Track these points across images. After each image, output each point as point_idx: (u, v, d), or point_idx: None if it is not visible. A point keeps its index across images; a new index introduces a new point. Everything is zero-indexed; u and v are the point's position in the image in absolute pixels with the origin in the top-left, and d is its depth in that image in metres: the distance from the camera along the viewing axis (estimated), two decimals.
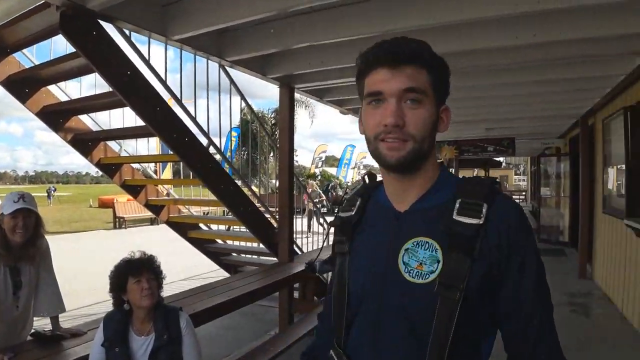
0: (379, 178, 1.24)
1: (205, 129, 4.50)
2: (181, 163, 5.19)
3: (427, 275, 0.99)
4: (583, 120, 7.69)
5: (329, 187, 27.01)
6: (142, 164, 5.90)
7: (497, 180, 1.12)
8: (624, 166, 5.43)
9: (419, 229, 1.04)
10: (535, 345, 1.00)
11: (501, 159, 23.92)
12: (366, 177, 1.30)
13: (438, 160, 1.13)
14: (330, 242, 1.30)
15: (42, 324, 2.99)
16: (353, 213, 1.18)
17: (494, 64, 4.38)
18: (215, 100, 4.72)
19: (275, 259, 5.38)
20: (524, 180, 42.16)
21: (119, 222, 19.28)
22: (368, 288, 1.07)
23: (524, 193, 32.74)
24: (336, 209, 1.27)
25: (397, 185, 1.11)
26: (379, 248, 1.08)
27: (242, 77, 4.58)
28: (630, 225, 4.87)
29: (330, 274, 1.32)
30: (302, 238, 6.60)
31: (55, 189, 43.99)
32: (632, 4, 3.15)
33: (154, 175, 6.49)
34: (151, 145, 5.93)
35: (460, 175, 1.18)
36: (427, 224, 1.03)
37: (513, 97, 5.98)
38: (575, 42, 3.75)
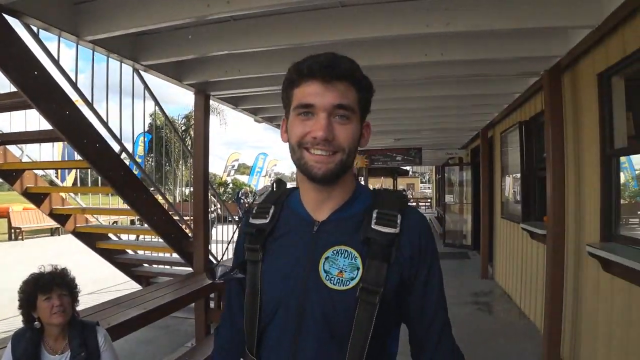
0: (289, 185, 1.27)
1: (118, 134, 4.32)
2: (88, 170, 4.93)
3: (348, 282, 1.04)
4: (483, 133, 8.29)
5: (240, 195, 26.74)
6: (46, 171, 5.52)
7: (405, 191, 1.20)
8: (519, 175, 5.92)
9: (338, 238, 1.09)
10: (436, 346, 1.12)
11: (408, 167, 25.03)
12: (274, 184, 1.31)
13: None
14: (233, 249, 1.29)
15: None
16: (267, 221, 1.17)
17: (403, 79, 4.62)
18: (125, 103, 4.51)
19: (189, 268, 5.25)
20: (429, 188, 44.30)
21: (14, 233, 17.74)
22: (285, 296, 1.08)
23: (429, 200, 34.39)
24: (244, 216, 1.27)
25: (316, 195, 1.13)
26: (296, 257, 1.10)
27: (153, 81, 4.45)
28: (525, 229, 5.32)
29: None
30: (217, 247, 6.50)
31: None
32: (528, 32, 3.52)
33: (58, 182, 6.09)
34: (54, 150, 5.58)
35: (369, 184, 1.23)
36: (345, 233, 1.09)
37: (420, 110, 6.33)
38: (479, 62, 4.09)
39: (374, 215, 1.08)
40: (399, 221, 1.07)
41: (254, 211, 1.22)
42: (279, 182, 1.24)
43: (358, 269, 1.04)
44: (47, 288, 2.22)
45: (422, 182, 50.69)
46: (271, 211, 1.18)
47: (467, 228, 11.52)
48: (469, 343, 4.93)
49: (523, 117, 5.83)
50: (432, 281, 1.12)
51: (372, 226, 1.06)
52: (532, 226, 5.10)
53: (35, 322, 2.22)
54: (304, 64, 1.05)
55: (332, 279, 1.05)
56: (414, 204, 33.98)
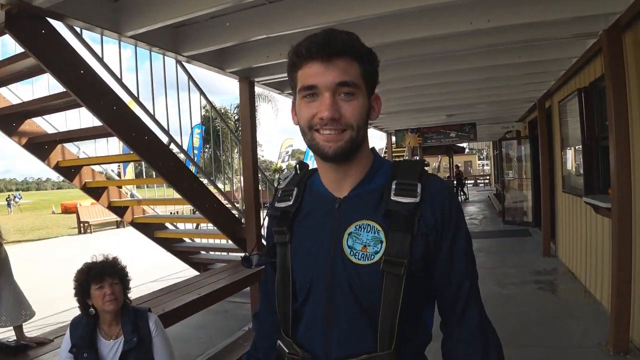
0: (312, 166, 1.26)
1: (165, 126, 4.42)
2: (143, 163, 5.09)
3: (372, 256, 1.04)
4: (540, 104, 7.89)
5: None
6: (104, 166, 5.75)
7: (426, 162, 1.18)
8: (580, 146, 5.60)
9: (359, 213, 1.08)
10: (464, 310, 1.10)
11: (464, 144, 24.41)
12: (297, 166, 1.30)
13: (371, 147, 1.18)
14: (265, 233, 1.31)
15: (6, 335, 2.89)
16: (291, 203, 1.19)
17: (450, 50, 4.44)
18: (175, 97, 4.63)
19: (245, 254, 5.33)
20: (487, 164, 43.09)
21: (83, 227, 18.81)
22: (315, 275, 1.10)
23: (487, 177, 33.48)
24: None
25: (333, 173, 1.13)
26: (322, 235, 1.11)
27: (204, 72, 4.51)
28: (589, 202, 5.03)
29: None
30: None
31: (20, 197, 42.51)
32: None
33: (115, 177, 6.34)
34: (111, 146, 5.78)
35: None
36: (367, 208, 1.08)
37: (471, 82, 6.08)
38: (529, 26, 3.85)
39: (393, 186, 1.07)
40: (419, 190, 1.06)
41: (278, 195, 1.24)
42: (301, 164, 1.27)
43: (382, 242, 1.04)
44: (99, 277, 2.30)
45: (479, 159, 49.34)
46: (294, 193, 1.20)
47: (528, 204, 11.08)
48: (530, 324, 4.80)
49: (582, 84, 5.47)
50: (457, 249, 1.09)
51: (392, 197, 1.05)
52: (596, 199, 4.81)
53: (90, 309, 2.31)
54: (302, 45, 1.05)
55: (357, 253, 1.05)
56: (472, 181, 33.22)
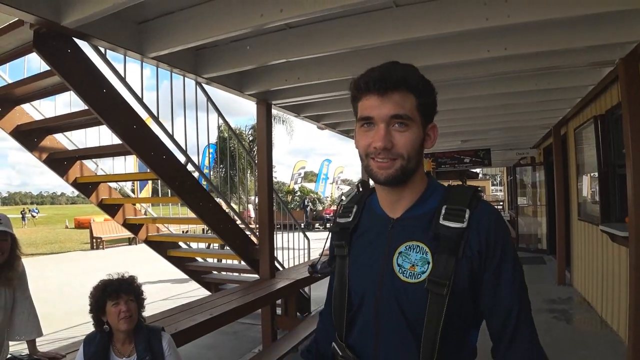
0: (372, 184, 1.31)
1: (183, 146, 4.48)
2: (159, 181, 5.15)
3: (419, 276, 1.11)
4: (556, 130, 7.86)
5: (306, 202, 27.11)
6: (120, 183, 5.82)
7: (480, 188, 1.23)
8: (596, 174, 5.55)
9: (410, 234, 1.16)
10: (512, 338, 1.12)
11: (478, 170, 24.28)
12: (359, 185, 1.41)
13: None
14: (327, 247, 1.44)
15: (18, 348, 2.90)
16: (350, 219, 1.30)
17: (467, 77, 4.46)
18: (193, 117, 4.70)
19: (256, 275, 5.34)
20: (500, 190, 42.74)
21: (96, 243, 18.90)
22: (367, 287, 1.19)
23: (501, 203, 33.18)
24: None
25: (389, 196, 1.22)
26: (375, 252, 1.20)
27: (219, 94, 4.60)
28: (605, 231, 4.97)
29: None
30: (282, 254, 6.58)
31: (37, 211, 42.95)
32: (598, 18, 3.28)
33: (132, 194, 6.40)
34: (128, 164, 5.86)
35: None
36: (417, 230, 1.15)
37: (487, 109, 6.09)
38: (545, 54, 3.86)
39: (443, 211, 1.14)
40: (467, 216, 1.12)
41: (340, 211, 1.35)
42: (363, 183, 1.41)
43: (429, 263, 1.11)
44: (115, 294, 2.32)
45: (493, 185, 48.98)
46: (354, 210, 1.31)
47: (542, 231, 10.96)
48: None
49: (598, 111, 5.46)
50: (505, 275, 1.12)
51: (440, 222, 1.12)
52: (612, 228, 4.75)
53: (105, 326, 2.32)
54: (362, 79, 1.16)
55: (405, 272, 1.13)
56: None
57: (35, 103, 4.49)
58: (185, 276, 6.41)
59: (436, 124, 1.23)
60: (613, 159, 5.17)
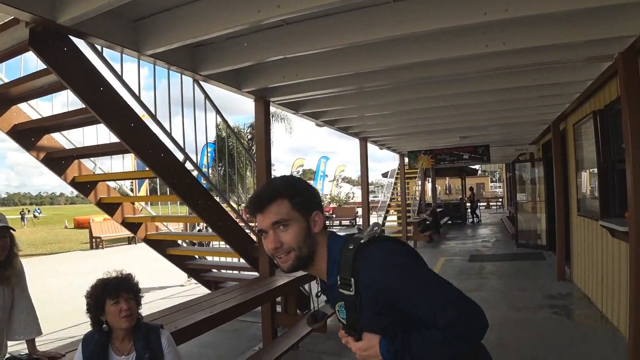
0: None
1: (181, 144, 4.47)
2: (158, 180, 5.13)
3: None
4: (554, 126, 7.85)
5: None
6: (118, 182, 5.80)
7: (472, 190, 1.34)
8: (596, 169, 5.54)
9: (337, 297, 1.46)
10: (441, 322, 1.30)
11: (477, 166, 24.29)
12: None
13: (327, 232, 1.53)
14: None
15: (17, 348, 2.89)
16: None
17: (465, 72, 4.46)
18: (191, 116, 4.69)
19: (256, 273, 5.33)
20: (499, 187, 42.78)
21: (95, 243, 18.91)
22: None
23: (500, 200, 33.23)
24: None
25: (310, 272, 1.53)
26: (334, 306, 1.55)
27: (217, 93, 4.59)
28: (605, 226, 4.96)
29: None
30: None
31: (40, 211, 42.90)
32: (596, 12, 3.27)
33: (130, 193, 6.39)
34: (126, 162, 5.85)
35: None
36: (338, 293, 1.44)
37: (485, 104, 6.08)
38: (544, 49, 3.85)
39: (338, 282, 1.42)
40: (353, 284, 1.38)
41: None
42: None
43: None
44: (114, 293, 2.30)
45: (492, 181, 49.01)
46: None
47: (541, 227, 10.95)
48: (545, 349, 4.71)
49: (597, 106, 5.45)
50: (411, 295, 1.34)
51: (340, 290, 1.42)
52: (612, 223, 4.74)
53: (104, 325, 2.31)
54: (249, 206, 1.52)
55: (344, 318, 1.49)
56: (484, 204, 32.97)
57: (32, 102, 4.46)
58: (185, 274, 6.40)
59: (319, 212, 1.49)
60: (612, 154, 5.16)
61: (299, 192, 1.46)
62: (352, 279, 1.38)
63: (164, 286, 8.64)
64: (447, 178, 27.73)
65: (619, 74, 3.90)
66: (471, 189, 23.24)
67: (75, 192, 5.23)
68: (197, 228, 9.63)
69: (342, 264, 1.42)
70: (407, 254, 1.43)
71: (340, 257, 1.44)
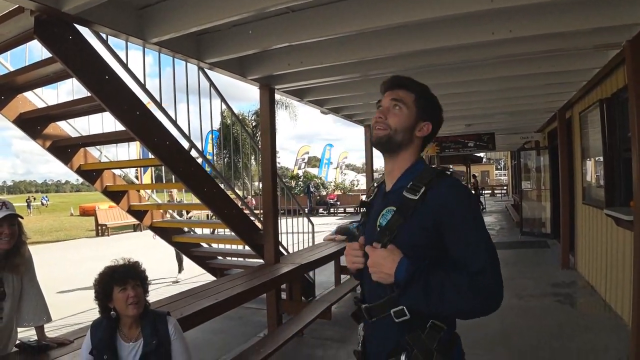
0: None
1: (186, 131, 4.48)
2: (163, 167, 5.15)
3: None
4: (560, 114, 7.81)
5: (310, 187, 27.12)
6: (124, 170, 5.83)
7: (450, 169, 1.42)
8: (601, 158, 5.52)
9: (391, 202, 1.55)
10: (477, 260, 1.40)
11: (482, 154, 24.20)
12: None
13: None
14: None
15: (27, 334, 2.93)
16: (368, 198, 1.78)
17: (471, 60, 4.43)
18: (196, 103, 4.68)
19: (261, 260, 5.36)
20: (504, 174, 42.64)
21: (101, 230, 19.04)
22: (367, 236, 1.60)
23: (505, 187, 33.13)
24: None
25: (386, 165, 1.64)
26: (373, 215, 1.62)
27: (222, 79, 4.58)
28: (610, 215, 4.95)
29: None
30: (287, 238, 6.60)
31: (47, 199, 43.15)
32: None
33: (136, 181, 6.41)
34: (131, 150, 5.86)
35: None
36: (395, 198, 1.53)
37: (491, 92, 6.05)
38: (550, 36, 3.81)
39: (408, 186, 1.50)
40: (421, 191, 1.46)
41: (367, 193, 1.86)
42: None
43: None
44: (122, 280, 2.32)
45: (497, 169, 48.89)
46: (373, 191, 1.78)
47: (546, 215, 10.94)
48: (549, 337, 4.73)
49: (604, 95, 5.41)
50: (461, 227, 1.42)
51: (403, 193, 1.50)
52: (617, 212, 4.73)
53: (112, 312, 2.34)
54: (386, 81, 1.64)
55: (380, 225, 1.54)
56: (489, 191, 32.91)
57: (38, 91, 4.48)
58: (191, 262, 6.44)
59: (432, 126, 1.60)
60: (618, 142, 5.13)
61: (427, 99, 1.62)
62: (424, 187, 1.46)
63: (163, 278, 8.69)
64: (452, 166, 27.69)
65: (627, 62, 3.85)
66: (474, 176, 23.16)
67: (81, 180, 5.26)
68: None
69: (422, 175, 1.51)
70: (477, 204, 1.53)
71: (423, 170, 1.55)
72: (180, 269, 8.60)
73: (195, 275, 7.89)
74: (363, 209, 1.78)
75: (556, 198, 9.22)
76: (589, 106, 6.01)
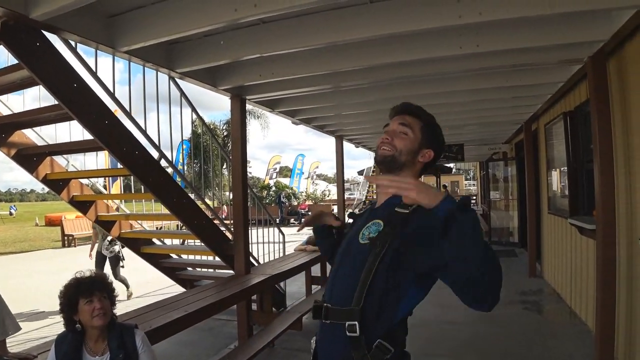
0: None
1: (156, 141, 4.43)
2: (132, 177, 5.07)
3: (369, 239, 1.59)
4: (527, 126, 8.02)
5: (281, 198, 27.04)
6: (91, 179, 5.71)
7: (446, 187, 1.39)
8: (566, 168, 5.69)
9: (379, 216, 1.62)
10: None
11: (451, 165, 24.57)
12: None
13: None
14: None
15: None
16: (358, 212, 1.94)
17: (441, 72, 4.52)
18: (166, 112, 4.64)
19: (231, 271, 5.31)
20: (473, 185, 43.37)
21: (67, 241, 18.51)
22: (344, 248, 1.72)
23: (474, 197, 33.67)
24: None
25: None
26: (356, 227, 1.71)
27: (193, 87, 4.54)
28: (574, 224, 5.10)
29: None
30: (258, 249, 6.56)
31: (16, 208, 41.91)
32: (568, 17, 3.35)
33: (104, 191, 6.29)
34: (100, 159, 5.76)
35: None
36: (384, 212, 1.61)
37: (460, 104, 6.16)
38: (517, 51, 3.93)
39: (400, 202, 1.50)
40: (411, 208, 1.51)
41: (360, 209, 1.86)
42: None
43: (378, 232, 1.57)
44: (88, 291, 2.27)
45: (466, 179, 49.71)
46: (366, 208, 1.92)
47: (514, 224, 11.19)
48: (516, 344, 4.82)
49: (567, 108, 5.59)
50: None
51: (395, 209, 1.56)
52: (580, 221, 4.88)
53: (77, 325, 2.28)
54: (397, 106, 1.77)
55: (363, 237, 1.61)
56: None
57: (3, 97, 4.36)
58: (160, 273, 6.34)
59: (434, 154, 1.71)
60: (582, 154, 5.31)
61: (432, 129, 1.73)
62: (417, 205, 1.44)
63: (139, 285, 8.52)
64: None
65: (588, 77, 4.00)
66: (444, 186, 23.49)
67: (47, 189, 5.13)
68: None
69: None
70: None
71: None
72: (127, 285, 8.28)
73: (165, 287, 7.75)
74: (350, 220, 1.89)
75: (523, 208, 9.44)
76: (554, 119, 6.20)
